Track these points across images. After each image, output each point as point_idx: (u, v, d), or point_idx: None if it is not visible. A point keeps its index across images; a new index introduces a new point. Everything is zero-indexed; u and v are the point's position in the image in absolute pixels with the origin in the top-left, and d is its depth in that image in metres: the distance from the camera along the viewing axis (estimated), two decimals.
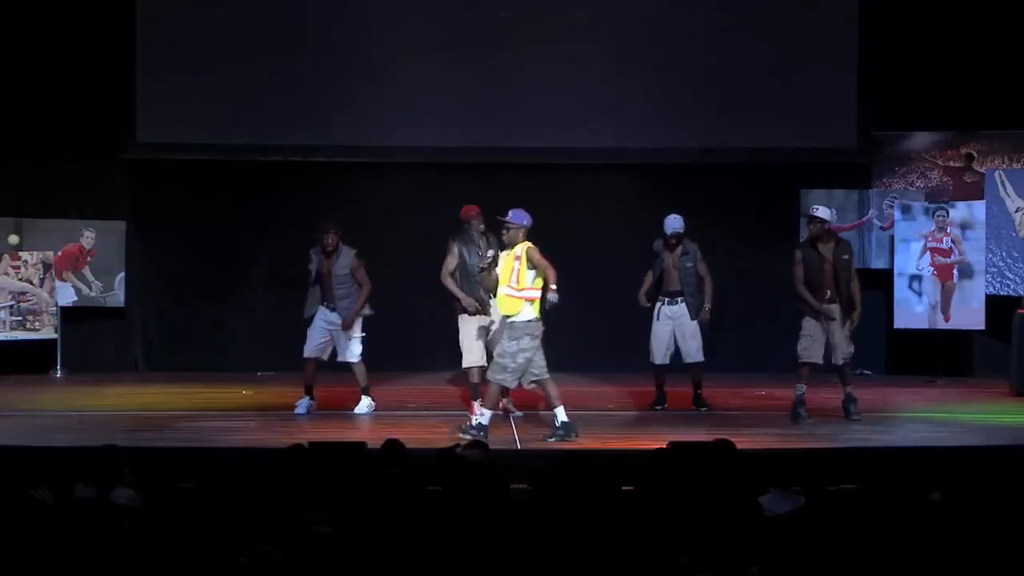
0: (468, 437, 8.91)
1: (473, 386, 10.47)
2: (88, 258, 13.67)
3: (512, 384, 9.42)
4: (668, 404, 10.96)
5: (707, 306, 10.74)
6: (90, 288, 13.69)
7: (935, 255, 13.23)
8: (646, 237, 14.12)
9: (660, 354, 10.81)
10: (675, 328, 10.77)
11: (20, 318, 13.36)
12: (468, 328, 10.46)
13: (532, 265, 9.30)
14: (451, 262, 10.42)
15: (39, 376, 13.22)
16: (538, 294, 9.37)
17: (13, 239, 13.47)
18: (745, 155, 13.55)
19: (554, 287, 9.24)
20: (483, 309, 10.32)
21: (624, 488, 5.95)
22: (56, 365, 13.45)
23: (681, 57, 13.49)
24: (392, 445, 6.78)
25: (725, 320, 13.12)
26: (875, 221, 13.63)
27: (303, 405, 10.67)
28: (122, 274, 13.72)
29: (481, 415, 9.33)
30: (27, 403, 11.30)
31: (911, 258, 13.28)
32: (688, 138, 13.51)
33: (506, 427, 10.01)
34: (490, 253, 9.78)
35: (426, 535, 5.02)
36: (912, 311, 13.26)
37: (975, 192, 13.50)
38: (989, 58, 13.48)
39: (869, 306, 13.80)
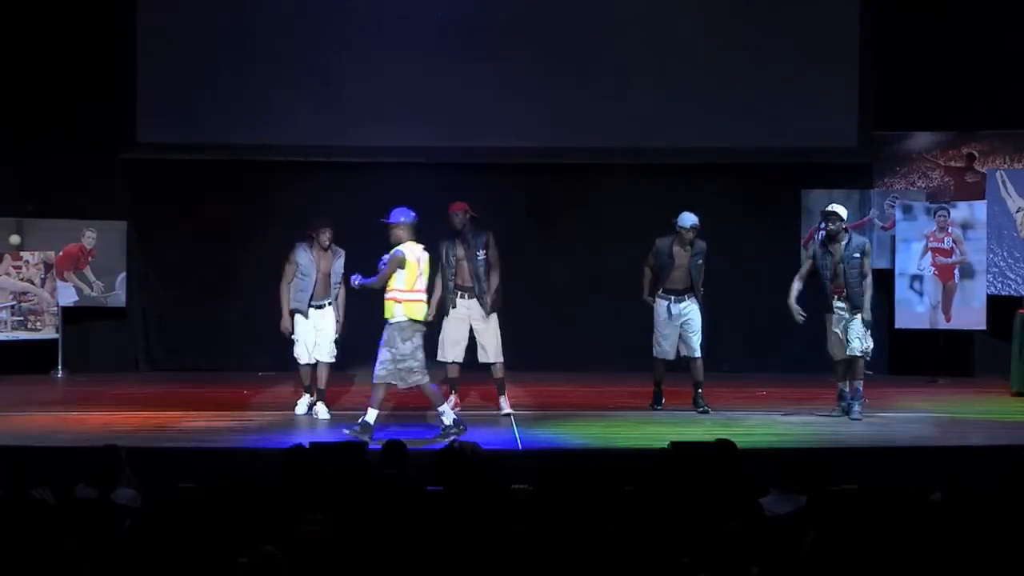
0: (365, 438, 9.01)
1: (451, 380, 10.60)
2: (89, 258, 13.66)
3: (406, 384, 9.41)
4: (669, 402, 10.96)
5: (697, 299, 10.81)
6: (91, 288, 13.68)
7: (936, 255, 13.23)
8: (646, 237, 14.12)
9: (671, 351, 10.76)
10: (682, 325, 10.73)
11: (21, 318, 13.35)
12: (449, 325, 10.54)
13: (401, 266, 9.29)
14: (440, 263, 10.53)
15: (40, 376, 13.21)
16: (423, 295, 9.37)
17: (14, 239, 13.46)
18: (746, 155, 13.54)
19: (365, 283, 9.31)
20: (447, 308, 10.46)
21: (625, 488, 5.95)
22: (57, 365, 13.45)
23: (682, 57, 13.48)
24: (393, 446, 6.78)
25: (726, 320, 13.13)
26: (876, 221, 13.62)
27: (308, 403, 10.68)
28: (123, 274, 13.72)
29: (368, 414, 9.29)
30: (28, 403, 11.30)
31: (912, 258, 13.28)
32: (689, 138, 13.49)
33: (507, 427, 10.01)
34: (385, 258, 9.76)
35: (426, 535, 5.02)
36: (913, 311, 13.25)
37: (976, 192, 13.49)
38: (990, 58, 13.47)
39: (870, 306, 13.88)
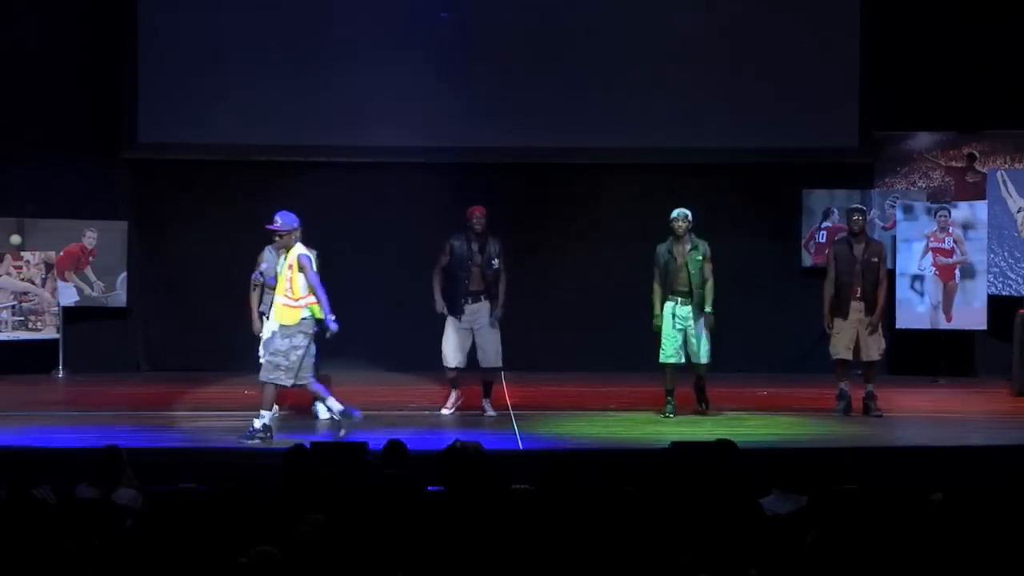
0: (255, 441, 9.03)
1: (452, 380, 10.66)
2: (90, 258, 13.67)
3: (288, 383, 9.36)
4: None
5: (707, 309, 10.49)
6: (92, 288, 13.68)
7: (937, 255, 13.22)
8: (646, 237, 14.10)
9: (674, 355, 10.50)
10: (686, 329, 10.50)
11: (22, 318, 13.36)
12: (449, 328, 10.59)
13: (302, 270, 9.23)
14: (442, 260, 10.55)
15: (41, 376, 13.22)
16: (314, 300, 9.26)
17: (15, 239, 13.46)
18: (747, 155, 13.54)
19: (332, 317, 9.20)
20: (453, 312, 10.48)
21: (625, 488, 5.95)
22: (58, 365, 13.45)
23: (682, 57, 13.48)
24: (394, 446, 6.78)
25: (726, 320, 13.11)
26: (877, 221, 13.62)
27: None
28: (124, 274, 13.72)
29: (262, 416, 9.24)
30: (29, 403, 11.30)
31: (913, 258, 13.27)
32: (690, 138, 13.49)
33: (507, 427, 10.01)
34: (264, 266, 9.69)
35: (427, 535, 5.02)
36: (914, 311, 13.25)
37: (977, 192, 13.49)
38: (991, 58, 13.46)
39: None
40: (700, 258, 10.45)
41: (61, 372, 13.41)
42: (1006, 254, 13.11)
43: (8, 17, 13.34)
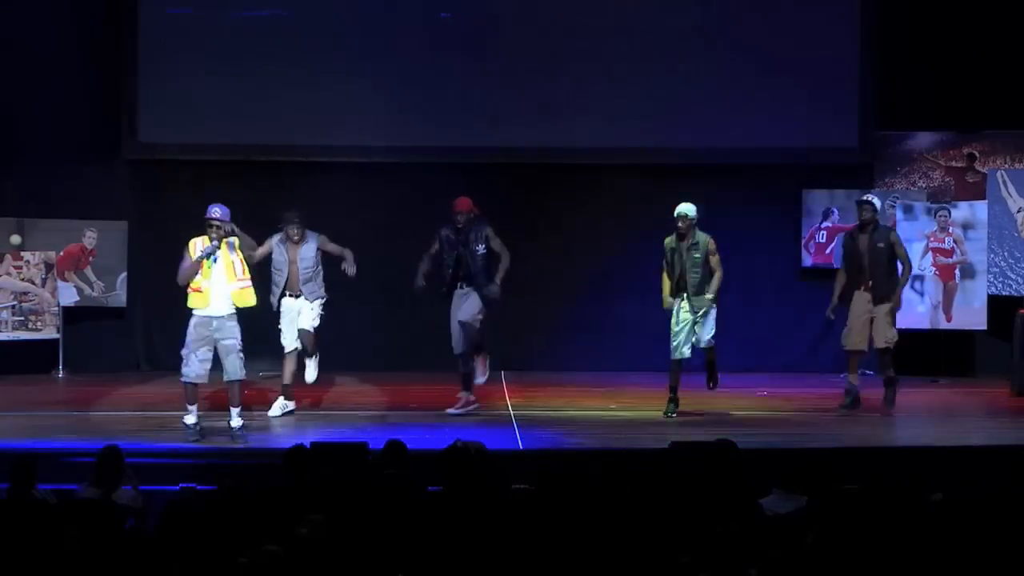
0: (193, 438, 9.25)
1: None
2: (90, 258, 13.66)
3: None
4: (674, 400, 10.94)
5: (707, 296, 10.44)
6: (92, 288, 13.68)
7: (937, 255, 13.23)
8: (646, 237, 14.10)
9: (676, 351, 10.47)
10: (693, 324, 10.49)
11: (22, 318, 13.36)
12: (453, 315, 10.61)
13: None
14: (432, 247, 10.66)
15: (41, 376, 13.21)
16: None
17: (15, 239, 13.46)
18: (747, 155, 13.54)
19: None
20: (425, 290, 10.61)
21: (625, 488, 5.95)
22: (58, 365, 13.45)
23: (683, 56, 13.48)
24: (394, 445, 6.78)
25: (727, 320, 13.10)
26: None
27: (281, 406, 10.65)
28: (124, 274, 13.72)
29: (239, 414, 9.45)
30: (29, 403, 11.30)
31: (913, 258, 13.23)
32: (690, 138, 13.50)
33: (507, 427, 10.01)
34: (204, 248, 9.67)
35: (427, 535, 5.02)
36: (914, 311, 13.25)
37: (977, 192, 13.49)
38: (991, 58, 13.47)
39: None
40: (698, 255, 10.36)
41: (61, 372, 13.41)
42: (1006, 254, 13.10)
43: (8, 17, 13.34)
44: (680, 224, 10.42)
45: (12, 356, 13.14)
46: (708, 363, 10.67)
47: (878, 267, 10.46)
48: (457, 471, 5.96)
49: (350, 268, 10.56)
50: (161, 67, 13.39)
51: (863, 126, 13.53)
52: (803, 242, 13.75)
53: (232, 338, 9.47)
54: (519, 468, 7.39)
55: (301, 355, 10.72)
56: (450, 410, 10.58)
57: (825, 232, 13.68)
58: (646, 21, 13.52)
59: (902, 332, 13.21)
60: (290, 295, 10.68)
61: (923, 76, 13.47)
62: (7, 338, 13.25)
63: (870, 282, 10.48)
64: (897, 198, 13.56)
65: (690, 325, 10.46)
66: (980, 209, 13.17)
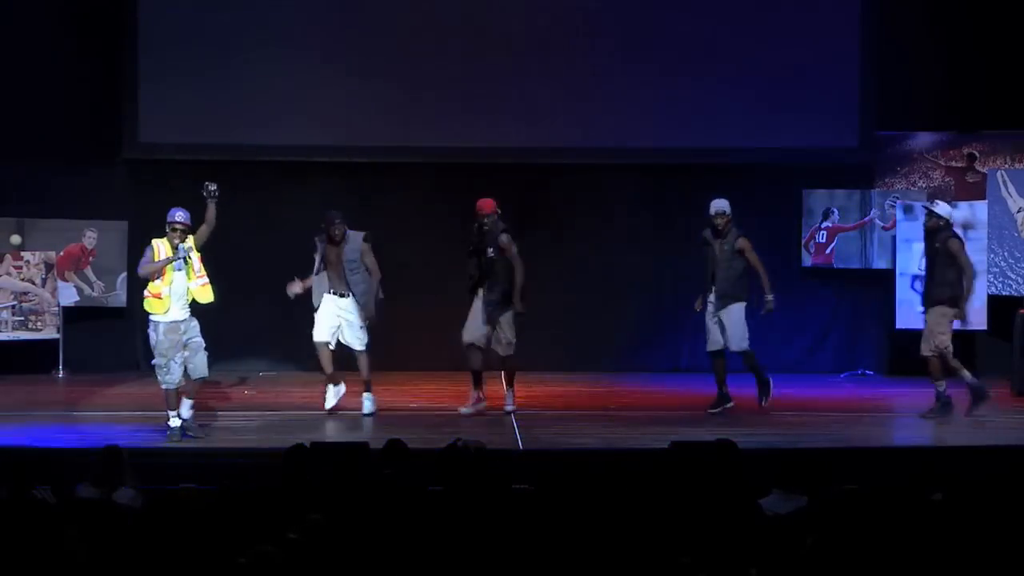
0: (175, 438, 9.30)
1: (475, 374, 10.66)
2: (90, 258, 13.66)
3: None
4: (669, 401, 10.92)
5: (768, 297, 10.50)
6: (92, 288, 13.68)
7: None
8: (646, 237, 14.11)
9: (710, 346, 10.61)
10: (720, 319, 10.53)
11: (22, 318, 13.36)
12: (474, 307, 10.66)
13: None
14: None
15: (41, 376, 13.22)
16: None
17: (15, 239, 13.46)
18: (747, 155, 13.53)
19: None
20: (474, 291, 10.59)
21: (625, 488, 5.95)
22: (58, 365, 13.45)
23: (683, 57, 13.47)
24: (394, 445, 6.78)
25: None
26: (877, 221, 13.62)
27: (334, 393, 10.63)
28: (124, 274, 13.71)
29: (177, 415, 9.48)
30: (29, 403, 11.30)
31: (913, 258, 13.25)
32: (689, 138, 13.49)
33: (507, 427, 10.02)
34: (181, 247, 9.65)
35: (427, 535, 5.02)
36: (914, 311, 13.19)
37: (977, 192, 13.48)
38: (991, 58, 13.46)
39: (871, 306, 13.86)
40: (731, 251, 10.48)
41: (61, 372, 13.41)
42: (1006, 254, 13.10)
43: (8, 17, 13.34)
44: (718, 220, 10.44)
45: (12, 356, 13.14)
46: (752, 372, 10.63)
47: (938, 272, 10.40)
48: (457, 471, 5.96)
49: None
50: (161, 67, 13.38)
51: (863, 126, 13.52)
52: (803, 242, 13.75)
53: (198, 336, 9.57)
54: (519, 468, 7.39)
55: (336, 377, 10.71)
56: (462, 409, 10.61)
57: (825, 232, 13.68)
58: (647, 21, 13.50)
59: (902, 332, 13.25)
60: (335, 293, 10.62)
61: (923, 76, 13.46)
62: (7, 338, 13.25)
63: (928, 287, 10.49)
64: (897, 198, 13.55)
65: (716, 327, 10.53)
66: (980, 209, 13.16)
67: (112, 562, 4.78)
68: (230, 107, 13.38)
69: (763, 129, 13.42)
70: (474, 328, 10.64)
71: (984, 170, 13.57)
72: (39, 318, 13.42)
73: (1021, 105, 13.36)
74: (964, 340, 13.41)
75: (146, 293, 9.51)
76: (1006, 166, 13.55)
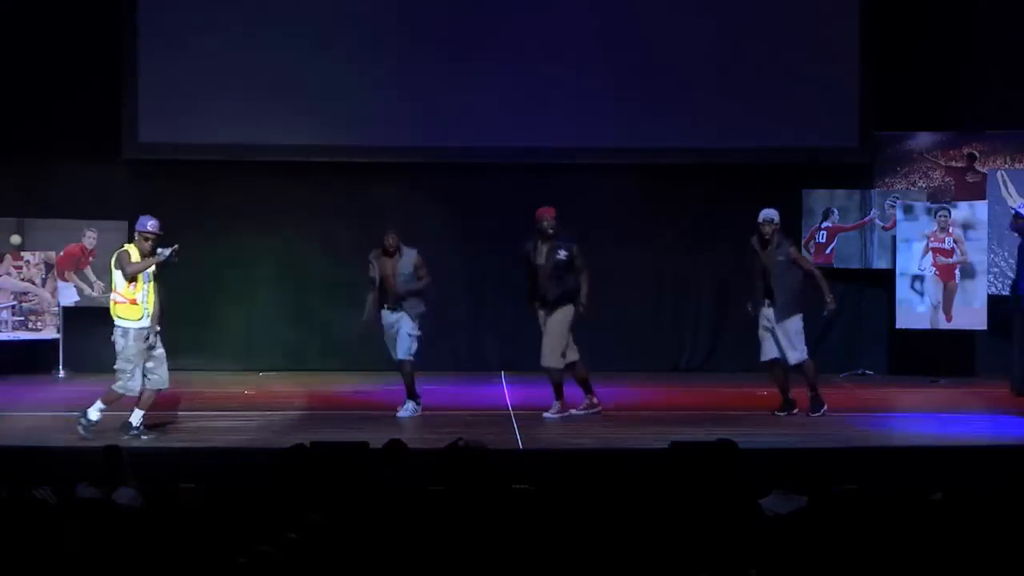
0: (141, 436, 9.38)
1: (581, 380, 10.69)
2: (90, 258, 13.65)
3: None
4: (670, 401, 10.89)
5: (828, 298, 10.36)
6: (92, 288, 13.67)
7: (937, 255, 13.22)
8: (647, 237, 14.11)
9: (763, 356, 10.48)
10: (774, 331, 10.35)
11: (22, 318, 13.35)
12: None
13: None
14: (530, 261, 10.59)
15: (41, 376, 13.21)
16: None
17: (15, 239, 13.46)
18: (747, 155, 13.54)
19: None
20: (543, 306, 10.59)
21: (625, 488, 5.94)
22: (58, 365, 13.45)
23: (683, 57, 13.48)
24: (394, 445, 6.77)
25: (728, 320, 13.16)
26: (877, 221, 13.62)
27: (409, 409, 10.63)
28: None
29: (135, 415, 9.60)
30: (29, 403, 11.29)
31: (913, 258, 13.27)
32: (690, 138, 13.49)
33: (507, 427, 10.01)
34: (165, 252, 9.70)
35: (427, 535, 5.02)
36: (914, 311, 13.24)
37: (977, 192, 13.48)
38: (990, 58, 13.46)
39: (871, 306, 13.86)
40: (782, 258, 10.31)
41: (61, 372, 13.41)
42: (1006, 254, 13.10)
43: (8, 17, 13.34)
44: (765, 229, 10.36)
45: (12, 356, 13.14)
46: (808, 385, 10.46)
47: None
48: (457, 471, 5.96)
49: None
50: (161, 67, 13.39)
51: (863, 126, 13.52)
52: (803, 242, 13.73)
53: (162, 346, 9.65)
54: (519, 468, 7.39)
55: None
56: (546, 415, 10.57)
57: (825, 232, 13.67)
58: (647, 21, 13.51)
59: (902, 332, 13.26)
60: (388, 308, 10.59)
61: (923, 76, 13.46)
62: (7, 338, 13.25)
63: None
64: (897, 198, 13.55)
65: (768, 336, 10.38)
66: (980, 209, 13.16)
67: (112, 562, 4.78)
68: (230, 107, 13.38)
69: (763, 129, 13.43)
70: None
71: (984, 170, 13.58)
72: (39, 318, 13.42)
73: (1021, 105, 13.36)
74: (964, 340, 13.45)
75: (119, 298, 9.53)
76: (1006, 166, 13.55)
